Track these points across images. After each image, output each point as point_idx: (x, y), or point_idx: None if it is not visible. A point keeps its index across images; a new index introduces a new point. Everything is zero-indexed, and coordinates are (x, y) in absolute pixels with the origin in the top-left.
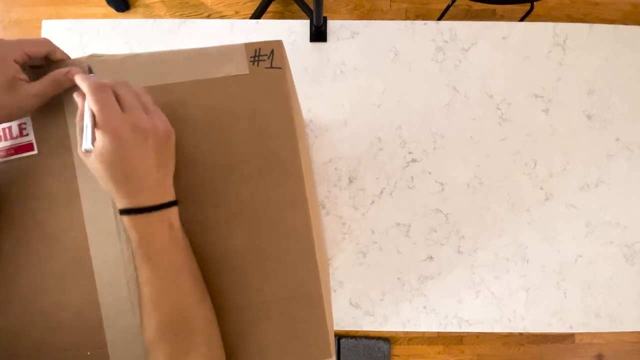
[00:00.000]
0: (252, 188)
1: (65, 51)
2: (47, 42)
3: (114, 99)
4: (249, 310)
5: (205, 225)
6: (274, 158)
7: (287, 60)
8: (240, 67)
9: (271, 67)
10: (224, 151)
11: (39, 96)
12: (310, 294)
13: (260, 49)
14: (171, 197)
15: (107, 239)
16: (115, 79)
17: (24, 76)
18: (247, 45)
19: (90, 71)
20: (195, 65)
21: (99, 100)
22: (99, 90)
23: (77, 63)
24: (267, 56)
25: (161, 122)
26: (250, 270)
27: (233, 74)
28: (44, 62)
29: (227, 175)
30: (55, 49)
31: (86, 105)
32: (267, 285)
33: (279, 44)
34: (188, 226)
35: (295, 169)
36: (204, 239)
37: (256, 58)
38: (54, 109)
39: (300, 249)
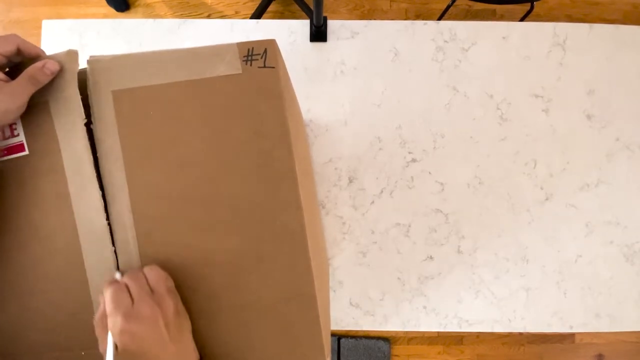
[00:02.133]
0: (246, 188)
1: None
2: (14, 37)
3: (125, 296)
4: (243, 311)
5: (197, 226)
6: (268, 158)
7: (282, 59)
8: (233, 66)
9: (264, 67)
10: (217, 151)
11: (19, 95)
12: (304, 295)
13: (253, 48)
14: (194, 358)
15: (98, 241)
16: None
17: (2, 76)
18: (240, 45)
19: (120, 274)
20: (188, 65)
21: (111, 302)
22: (114, 295)
23: (54, 57)
24: (260, 55)
25: (169, 299)
26: (244, 271)
27: (226, 74)
28: (18, 58)
29: (221, 176)
30: (25, 42)
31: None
32: (261, 287)
33: (272, 43)
34: (180, 226)
35: (289, 169)
36: (197, 239)
37: (249, 57)
38: (39, 107)
39: (294, 250)
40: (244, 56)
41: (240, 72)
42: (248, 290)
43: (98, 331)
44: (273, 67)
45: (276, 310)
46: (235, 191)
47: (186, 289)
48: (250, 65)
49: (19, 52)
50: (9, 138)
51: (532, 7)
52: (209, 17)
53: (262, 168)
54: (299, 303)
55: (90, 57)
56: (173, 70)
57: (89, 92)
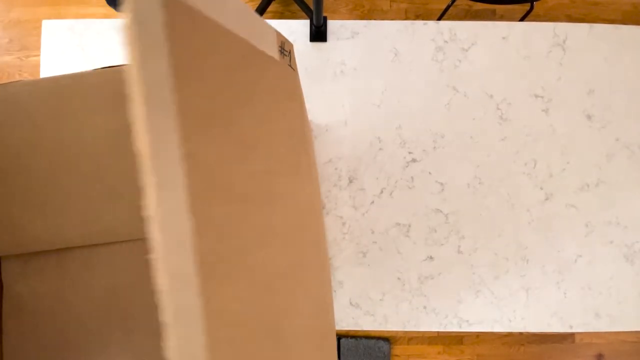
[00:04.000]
0: (291, 188)
1: (64, 51)
2: None
3: None
4: (278, 328)
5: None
6: (286, 159)
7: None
8: (273, 51)
9: (290, 66)
10: (270, 141)
11: None
12: (324, 305)
13: (284, 43)
14: None
15: None
16: None
17: None
18: (277, 34)
19: None
20: (250, 23)
21: None
22: None
23: None
24: (288, 53)
25: None
26: (279, 277)
27: (268, 53)
28: None
29: (273, 170)
30: None
31: None
32: (293, 296)
33: (292, 46)
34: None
35: (307, 174)
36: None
37: (282, 50)
38: None
39: (317, 258)
40: (279, 47)
41: (277, 59)
42: (280, 297)
43: None
44: (295, 70)
45: (303, 323)
46: (288, 190)
47: (220, 286)
48: (283, 58)
49: None
50: None
51: (532, 7)
52: None
53: (279, 168)
54: (320, 312)
55: None
56: (238, 19)
57: None
